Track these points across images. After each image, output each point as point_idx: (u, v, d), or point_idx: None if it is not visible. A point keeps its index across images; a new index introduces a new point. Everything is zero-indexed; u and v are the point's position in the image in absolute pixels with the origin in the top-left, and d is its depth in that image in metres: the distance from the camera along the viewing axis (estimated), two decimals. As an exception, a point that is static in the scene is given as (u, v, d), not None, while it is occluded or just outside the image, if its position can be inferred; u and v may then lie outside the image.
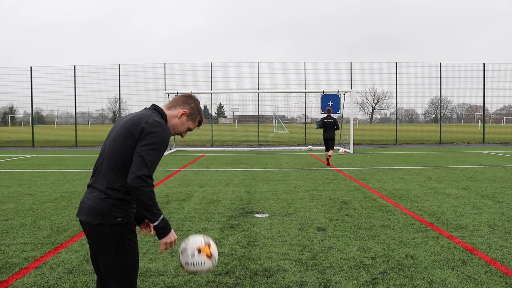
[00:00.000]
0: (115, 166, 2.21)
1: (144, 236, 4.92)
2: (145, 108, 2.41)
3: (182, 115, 2.41)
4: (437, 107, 39.69)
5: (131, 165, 2.17)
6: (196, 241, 2.41)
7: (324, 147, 12.95)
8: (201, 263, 2.36)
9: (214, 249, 2.44)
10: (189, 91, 17.97)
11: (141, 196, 2.11)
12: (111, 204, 2.19)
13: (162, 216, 2.21)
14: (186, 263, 2.36)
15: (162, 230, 2.23)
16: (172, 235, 2.27)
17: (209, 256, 2.39)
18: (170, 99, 15.21)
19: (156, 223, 2.19)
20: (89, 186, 2.31)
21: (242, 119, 38.24)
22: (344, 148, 19.20)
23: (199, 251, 2.36)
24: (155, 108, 2.38)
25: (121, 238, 2.22)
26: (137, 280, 3.59)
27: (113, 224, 2.19)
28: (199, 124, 2.50)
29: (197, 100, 2.50)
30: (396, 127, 25.09)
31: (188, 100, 2.45)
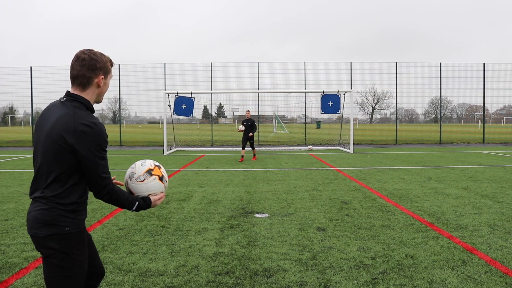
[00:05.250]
0: (54, 175, 2.02)
1: (144, 236, 4.93)
2: (60, 101, 2.12)
3: (101, 80, 2.14)
4: (437, 107, 39.74)
5: (72, 172, 2.04)
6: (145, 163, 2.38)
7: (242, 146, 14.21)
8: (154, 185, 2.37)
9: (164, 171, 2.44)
10: (188, 91, 17.98)
11: (111, 202, 2.18)
12: (58, 214, 2.02)
13: (136, 203, 2.25)
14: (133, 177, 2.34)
15: (145, 207, 2.30)
16: (156, 200, 2.34)
17: (160, 178, 2.38)
18: (170, 99, 14.91)
19: (134, 209, 2.25)
20: (32, 198, 2.09)
21: (242, 119, 38.18)
22: (345, 147, 19.21)
23: (150, 172, 2.35)
24: (73, 98, 2.09)
25: (69, 248, 2.05)
26: (137, 280, 3.60)
27: (61, 234, 2.03)
28: (112, 65, 2.26)
29: (92, 53, 2.12)
30: (396, 127, 25.09)
31: (92, 64, 2.10)
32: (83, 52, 2.11)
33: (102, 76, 2.13)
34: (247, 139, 14.14)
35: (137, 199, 2.27)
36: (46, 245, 2.03)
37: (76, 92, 2.10)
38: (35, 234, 2.04)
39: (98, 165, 2.05)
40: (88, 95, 2.12)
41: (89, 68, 2.08)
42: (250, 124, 14.26)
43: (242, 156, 14.21)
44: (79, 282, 2.11)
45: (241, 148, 14.33)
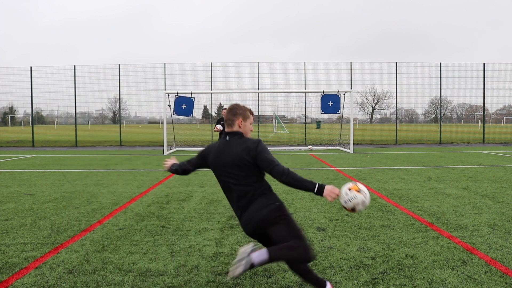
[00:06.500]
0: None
1: (144, 236, 4.93)
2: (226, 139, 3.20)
3: (241, 122, 3.19)
4: (437, 107, 39.70)
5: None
6: (346, 185, 3.15)
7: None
8: (354, 197, 3.04)
9: (362, 186, 3.12)
10: (188, 91, 17.99)
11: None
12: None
13: (316, 185, 2.96)
14: (344, 201, 3.08)
15: (321, 191, 2.95)
16: (332, 191, 2.92)
17: (358, 191, 3.06)
18: (170, 99, 15.20)
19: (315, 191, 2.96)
20: (241, 206, 3.12)
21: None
22: (345, 147, 19.21)
23: (349, 189, 3.08)
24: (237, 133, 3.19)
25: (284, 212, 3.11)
26: (137, 280, 3.61)
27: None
28: (252, 114, 3.27)
29: (236, 105, 3.24)
30: (396, 127, 25.09)
31: (234, 111, 3.20)
32: (232, 104, 3.24)
33: (241, 119, 3.18)
34: None
35: None
36: (266, 223, 3.12)
37: (228, 130, 3.21)
38: (254, 227, 3.13)
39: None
40: (235, 129, 3.20)
41: (233, 114, 3.19)
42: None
43: None
44: (300, 230, 3.17)
45: None
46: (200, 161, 3.36)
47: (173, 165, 3.61)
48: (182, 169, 3.52)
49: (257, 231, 3.12)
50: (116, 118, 49.35)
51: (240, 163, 3.02)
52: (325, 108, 18.14)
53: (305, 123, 25.89)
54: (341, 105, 18.44)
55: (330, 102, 18.09)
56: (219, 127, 12.37)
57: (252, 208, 3.04)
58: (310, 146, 20.30)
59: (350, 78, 23.77)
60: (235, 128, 3.17)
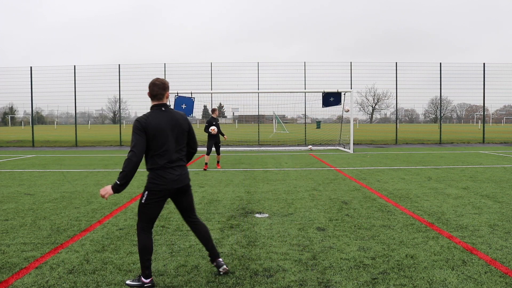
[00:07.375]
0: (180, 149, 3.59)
1: (144, 236, 4.93)
2: (162, 110, 3.56)
3: (168, 94, 3.61)
4: (437, 107, 39.71)
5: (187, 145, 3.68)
6: None
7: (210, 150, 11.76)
8: None
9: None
10: (189, 91, 17.98)
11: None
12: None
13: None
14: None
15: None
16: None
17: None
18: (170, 99, 15.40)
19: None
20: (178, 165, 3.52)
21: (242, 119, 38.21)
22: (345, 147, 19.21)
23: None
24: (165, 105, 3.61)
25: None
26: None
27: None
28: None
29: (162, 80, 3.55)
30: (396, 127, 25.08)
31: (163, 86, 3.53)
32: (157, 79, 3.53)
33: (168, 92, 3.59)
34: (216, 143, 11.76)
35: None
36: (189, 185, 3.68)
37: (159, 102, 3.53)
38: (187, 183, 3.63)
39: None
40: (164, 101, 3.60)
41: (163, 88, 3.52)
42: (217, 124, 11.76)
43: (207, 164, 11.58)
44: None
45: (206, 154, 11.73)
46: (144, 139, 3.35)
47: (113, 185, 3.37)
48: (129, 174, 3.39)
49: (180, 191, 3.57)
50: (116, 118, 49.34)
51: (183, 130, 3.53)
52: (326, 103, 18.25)
53: (305, 123, 25.88)
54: (342, 102, 18.52)
55: (332, 97, 18.22)
56: (215, 128, 11.70)
57: (185, 170, 3.59)
58: (310, 146, 20.30)
59: (350, 78, 23.77)
60: (164, 100, 3.55)
